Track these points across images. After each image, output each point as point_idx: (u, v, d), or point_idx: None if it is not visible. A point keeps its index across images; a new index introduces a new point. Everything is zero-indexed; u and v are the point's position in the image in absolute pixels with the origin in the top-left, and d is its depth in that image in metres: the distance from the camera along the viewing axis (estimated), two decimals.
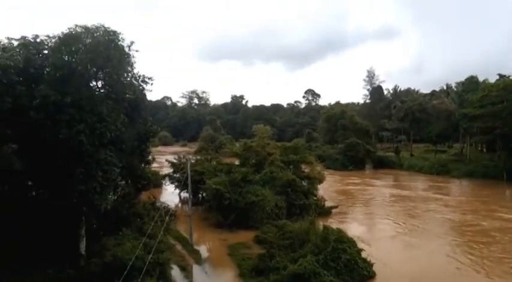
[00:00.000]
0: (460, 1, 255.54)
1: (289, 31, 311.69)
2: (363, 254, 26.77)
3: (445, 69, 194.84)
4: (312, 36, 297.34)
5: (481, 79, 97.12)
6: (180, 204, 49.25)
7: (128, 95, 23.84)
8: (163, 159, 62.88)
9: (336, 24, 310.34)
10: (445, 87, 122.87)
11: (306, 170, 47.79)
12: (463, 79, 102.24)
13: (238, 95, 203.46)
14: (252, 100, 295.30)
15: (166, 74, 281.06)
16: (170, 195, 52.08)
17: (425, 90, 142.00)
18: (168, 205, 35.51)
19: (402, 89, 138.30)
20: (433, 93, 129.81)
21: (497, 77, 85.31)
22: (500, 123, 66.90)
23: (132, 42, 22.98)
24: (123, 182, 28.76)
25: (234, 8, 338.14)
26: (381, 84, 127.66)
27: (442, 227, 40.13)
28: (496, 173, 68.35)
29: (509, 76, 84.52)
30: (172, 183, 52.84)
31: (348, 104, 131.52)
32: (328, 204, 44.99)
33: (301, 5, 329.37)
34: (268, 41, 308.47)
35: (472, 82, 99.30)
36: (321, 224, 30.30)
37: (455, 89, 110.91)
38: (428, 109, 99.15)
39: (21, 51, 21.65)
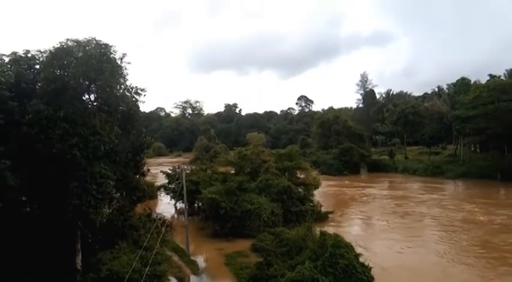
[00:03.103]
0: (451, 5, 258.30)
1: (283, 39, 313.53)
2: (361, 259, 26.70)
3: (436, 71, 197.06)
4: (305, 44, 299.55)
5: (472, 80, 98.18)
6: (176, 215, 48.89)
7: (121, 107, 23.79)
8: (158, 170, 62.61)
9: (329, 31, 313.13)
10: (436, 89, 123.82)
11: (301, 176, 47.78)
12: (454, 81, 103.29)
13: (231, 104, 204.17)
14: (246, 108, 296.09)
15: (160, 85, 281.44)
16: (166, 206, 51.74)
17: (417, 92, 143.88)
18: (164, 216, 35.43)
19: (395, 93, 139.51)
20: (425, 96, 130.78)
21: (488, 78, 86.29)
22: (492, 123, 67.41)
23: (124, 55, 23.04)
24: (118, 195, 28.67)
25: (227, 18, 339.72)
26: (374, 89, 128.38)
27: (439, 229, 40.17)
28: (490, 172, 68.85)
29: (499, 76, 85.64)
30: (167, 194, 52.55)
31: (341, 109, 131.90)
32: (324, 209, 45.00)
33: (293, 13, 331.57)
34: (262, 50, 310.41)
35: (463, 83, 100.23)
36: (317, 229, 30.32)
37: (447, 91, 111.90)
38: (420, 111, 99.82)
39: (12, 67, 21.66)
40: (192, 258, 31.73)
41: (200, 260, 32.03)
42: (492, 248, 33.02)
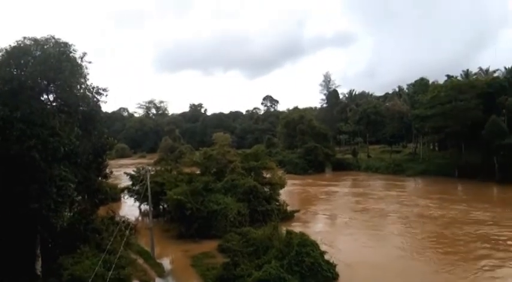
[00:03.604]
0: (412, 7, 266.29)
1: (249, 40, 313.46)
2: (326, 256, 27.21)
3: (397, 71, 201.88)
4: (271, 44, 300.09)
5: (430, 81, 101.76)
6: (140, 217, 48.13)
7: (81, 108, 23.24)
8: (121, 172, 61.33)
9: (295, 32, 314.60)
10: (397, 90, 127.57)
11: (267, 176, 48.01)
12: (413, 81, 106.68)
13: (197, 104, 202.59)
14: (211, 108, 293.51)
15: (123, 85, 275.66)
16: (130, 208, 50.80)
17: (379, 92, 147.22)
18: (128, 219, 34.68)
19: (357, 93, 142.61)
20: (387, 96, 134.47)
21: (446, 78, 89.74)
22: (450, 122, 70.13)
23: (84, 54, 22.50)
24: (80, 198, 27.94)
25: (192, 18, 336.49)
26: (337, 89, 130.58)
27: (398, 224, 41.64)
28: (448, 170, 71.55)
29: (456, 77, 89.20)
30: (131, 196, 51.62)
31: (306, 109, 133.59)
32: (290, 208, 45.43)
33: (260, 14, 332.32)
34: (228, 50, 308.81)
35: (422, 84, 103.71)
36: (284, 228, 30.62)
37: (406, 91, 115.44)
38: (382, 111, 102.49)
39: None
40: (158, 260, 31.25)
41: (166, 262, 31.58)
42: (445, 240, 34.81)
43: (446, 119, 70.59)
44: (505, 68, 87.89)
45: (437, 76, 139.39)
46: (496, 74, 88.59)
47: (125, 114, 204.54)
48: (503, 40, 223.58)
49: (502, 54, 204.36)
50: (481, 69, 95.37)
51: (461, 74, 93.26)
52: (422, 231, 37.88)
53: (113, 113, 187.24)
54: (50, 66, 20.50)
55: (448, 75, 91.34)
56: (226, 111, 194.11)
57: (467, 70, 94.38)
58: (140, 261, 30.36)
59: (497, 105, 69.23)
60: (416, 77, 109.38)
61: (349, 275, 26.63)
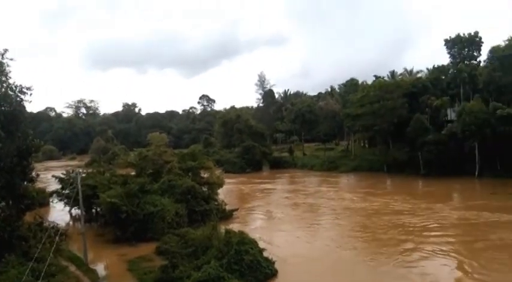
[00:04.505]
0: (342, 8, 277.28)
1: (184, 38, 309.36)
2: (265, 253, 27.68)
3: (329, 72, 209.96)
4: (207, 43, 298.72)
5: (360, 81, 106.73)
6: (71, 222, 45.99)
7: (3, 108, 21.71)
8: (49, 175, 57.92)
9: (230, 31, 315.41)
10: (329, 89, 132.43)
11: (205, 176, 47.77)
12: (345, 81, 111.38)
13: (130, 103, 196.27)
14: (146, 108, 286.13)
15: (50, 84, 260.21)
16: (60, 213, 48.22)
17: (312, 92, 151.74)
18: (57, 224, 32.75)
19: (292, 92, 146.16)
20: (320, 95, 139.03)
21: (374, 78, 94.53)
22: (378, 120, 74.21)
23: (5, 50, 21.07)
24: (3, 203, 26.03)
25: (124, 15, 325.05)
26: (272, 88, 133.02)
27: (329, 217, 44.07)
28: (378, 166, 75.88)
29: (383, 77, 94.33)
30: (61, 200, 48.97)
31: (242, 108, 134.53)
32: (229, 207, 45.53)
33: (195, 13, 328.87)
34: (163, 49, 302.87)
35: (352, 84, 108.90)
36: (223, 228, 30.61)
37: (338, 91, 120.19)
38: (316, 110, 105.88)
39: None
40: (91, 266, 29.87)
41: (100, 268, 30.27)
42: (369, 230, 37.72)
43: (375, 118, 74.51)
44: (427, 68, 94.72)
45: (366, 76, 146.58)
46: (419, 75, 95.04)
47: (52, 114, 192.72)
48: (426, 41, 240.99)
49: (424, 55, 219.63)
50: (405, 69, 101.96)
51: (388, 75, 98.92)
52: (348, 223, 41.12)
53: (39, 113, 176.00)
54: None
55: (375, 76, 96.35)
56: (162, 110, 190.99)
57: (393, 71, 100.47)
58: (72, 268, 28.84)
59: (421, 104, 74.40)
60: (347, 77, 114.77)
61: (287, 271, 27.22)
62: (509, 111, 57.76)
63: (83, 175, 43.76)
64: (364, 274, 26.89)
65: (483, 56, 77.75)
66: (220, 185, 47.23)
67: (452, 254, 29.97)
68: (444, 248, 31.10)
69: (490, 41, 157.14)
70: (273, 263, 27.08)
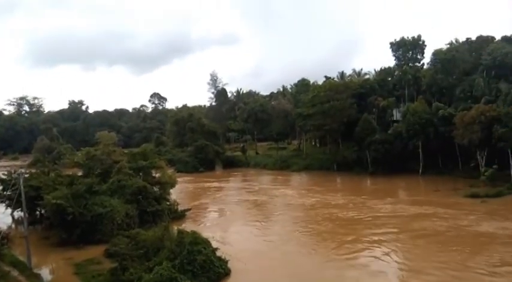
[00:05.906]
0: (294, 8, 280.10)
1: (134, 35, 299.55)
2: (218, 253, 27.56)
3: (281, 72, 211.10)
4: (157, 41, 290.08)
5: (311, 81, 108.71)
6: (13, 225, 43.95)
7: None
8: None
9: (181, 29, 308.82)
10: (281, 89, 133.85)
11: (156, 175, 46.94)
12: (296, 81, 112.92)
13: (77, 101, 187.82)
14: (94, 106, 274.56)
15: None
16: (1, 216, 45.86)
17: (265, 92, 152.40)
18: None
19: (245, 92, 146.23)
20: (272, 95, 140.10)
21: (324, 79, 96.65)
22: (329, 120, 75.82)
23: None
24: None
25: (71, 9, 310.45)
26: (225, 87, 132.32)
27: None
28: (329, 164, 77.69)
29: (333, 78, 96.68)
30: (2, 202, 46.42)
31: (195, 107, 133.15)
32: (181, 207, 44.99)
33: (145, 9, 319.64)
34: (111, 45, 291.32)
35: (303, 84, 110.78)
36: (175, 228, 30.16)
37: (290, 90, 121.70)
38: (268, 110, 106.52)
39: None
40: (35, 271, 28.51)
41: (45, 272, 29.04)
42: (311, 224, 39.70)
43: (325, 118, 76.13)
44: (375, 70, 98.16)
45: (317, 77, 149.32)
46: (367, 76, 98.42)
47: None
48: (373, 43, 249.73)
49: (372, 56, 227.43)
50: (354, 71, 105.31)
51: (337, 76, 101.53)
52: (291, 217, 43.47)
53: None
54: None
55: (326, 76, 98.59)
56: (110, 108, 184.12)
57: (343, 72, 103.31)
58: (15, 273, 27.42)
59: (369, 104, 77.02)
60: (299, 77, 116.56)
61: (241, 269, 27.23)
62: (450, 112, 61.08)
63: (26, 175, 41.73)
64: (310, 265, 28.23)
65: (426, 59, 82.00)
66: (173, 185, 46.62)
67: (386, 243, 32.29)
68: (382, 238, 33.50)
69: (433, 43, 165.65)
70: (226, 262, 27.01)
